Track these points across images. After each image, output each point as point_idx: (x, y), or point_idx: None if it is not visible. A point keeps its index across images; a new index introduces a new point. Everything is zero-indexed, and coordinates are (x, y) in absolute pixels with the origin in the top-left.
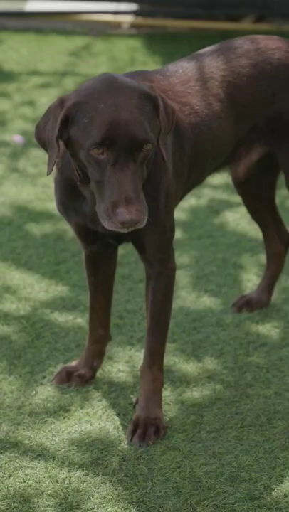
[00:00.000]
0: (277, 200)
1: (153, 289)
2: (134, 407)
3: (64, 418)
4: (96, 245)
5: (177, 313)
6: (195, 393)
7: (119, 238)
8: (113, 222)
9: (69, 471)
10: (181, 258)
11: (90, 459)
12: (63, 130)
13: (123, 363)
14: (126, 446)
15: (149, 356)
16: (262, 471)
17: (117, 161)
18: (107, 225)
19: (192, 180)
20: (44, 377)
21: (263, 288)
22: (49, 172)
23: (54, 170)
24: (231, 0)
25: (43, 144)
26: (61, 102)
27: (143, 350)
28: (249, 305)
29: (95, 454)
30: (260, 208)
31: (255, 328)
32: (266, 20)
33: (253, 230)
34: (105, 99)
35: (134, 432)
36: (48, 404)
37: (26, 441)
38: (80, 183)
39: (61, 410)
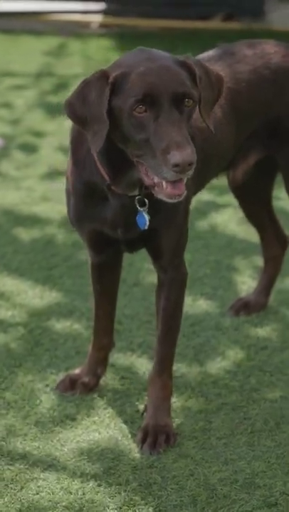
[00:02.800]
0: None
1: (166, 295)
2: (143, 414)
3: (71, 427)
4: (106, 254)
5: None
6: (200, 399)
7: (133, 245)
8: (168, 169)
9: (82, 482)
10: None
11: (102, 469)
12: None
13: (125, 369)
14: (137, 455)
15: (159, 363)
16: (276, 476)
17: (160, 115)
18: (162, 173)
19: (196, 186)
20: (47, 385)
21: (260, 290)
22: (98, 149)
23: (70, 178)
24: None
25: (82, 121)
26: (104, 73)
27: (144, 356)
28: (247, 308)
29: (106, 463)
30: (257, 210)
31: (255, 332)
32: (235, 19)
33: (242, 231)
34: (144, 65)
35: (144, 440)
36: (54, 414)
37: (35, 452)
38: (111, 181)
39: (68, 419)
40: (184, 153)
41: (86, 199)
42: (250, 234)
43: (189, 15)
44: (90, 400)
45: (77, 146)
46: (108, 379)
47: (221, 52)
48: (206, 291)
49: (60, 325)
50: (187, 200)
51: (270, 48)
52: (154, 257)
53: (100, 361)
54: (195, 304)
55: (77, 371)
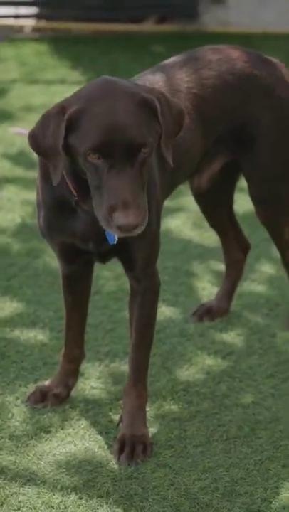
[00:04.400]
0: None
1: (139, 305)
2: (118, 425)
3: (46, 440)
4: (77, 264)
5: None
6: (173, 407)
7: (106, 256)
8: (111, 226)
9: (62, 495)
10: None
11: (81, 481)
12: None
13: (94, 379)
14: (115, 466)
15: (133, 373)
16: (256, 483)
17: (114, 166)
18: (107, 228)
19: (165, 193)
20: (17, 398)
21: (223, 295)
22: (57, 181)
23: (39, 191)
24: (134, 1)
25: (43, 153)
26: (62, 108)
27: (112, 365)
28: (210, 313)
29: (85, 475)
30: (219, 215)
31: (220, 337)
32: (169, 21)
33: (196, 235)
34: (102, 104)
35: (120, 450)
36: (27, 427)
37: (12, 467)
38: (79, 198)
39: (42, 432)
40: (130, 217)
41: (56, 212)
42: (204, 238)
43: (122, 18)
44: (63, 412)
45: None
46: (78, 389)
47: (185, 58)
48: (167, 297)
49: (25, 336)
50: (158, 208)
51: (234, 53)
52: (127, 267)
53: (71, 372)
54: (158, 311)
55: (47, 383)
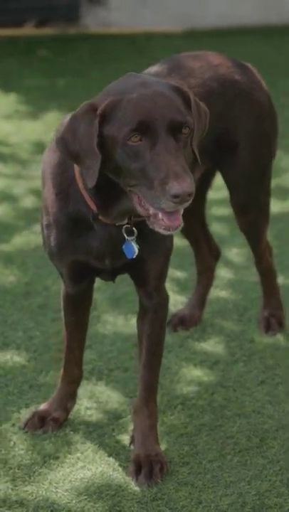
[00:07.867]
0: None
1: (151, 321)
2: (130, 444)
3: (57, 467)
4: (84, 284)
5: (114, 340)
6: (176, 422)
7: (118, 272)
8: (166, 199)
9: None
10: None
11: (107, 507)
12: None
13: (86, 399)
14: (136, 488)
15: (145, 391)
16: (283, 495)
17: (157, 143)
18: (158, 205)
19: None
20: (13, 424)
21: (195, 304)
22: (93, 183)
23: (51, 210)
24: (14, 4)
25: (75, 156)
26: (91, 106)
27: (100, 383)
28: (184, 323)
29: (109, 500)
30: (192, 223)
31: (200, 347)
32: (49, 24)
33: None
34: (137, 92)
35: (137, 471)
36: (34, 455)
37: (30, 498)
38: (100, 211)
39: (50, 459)
40: (184, 184)
41: (69, 230)
42: None
43: (2, 21)
44: (65, 436)
45: (59, 178)
46: (73, 411)
47: (168, 67)
48: (135, 309)
49: (1, 359)
50: None
51: (215, 60)
52: (139, 284)
53: (70, 395)
54: (129, 324)
55: (43, 407)
